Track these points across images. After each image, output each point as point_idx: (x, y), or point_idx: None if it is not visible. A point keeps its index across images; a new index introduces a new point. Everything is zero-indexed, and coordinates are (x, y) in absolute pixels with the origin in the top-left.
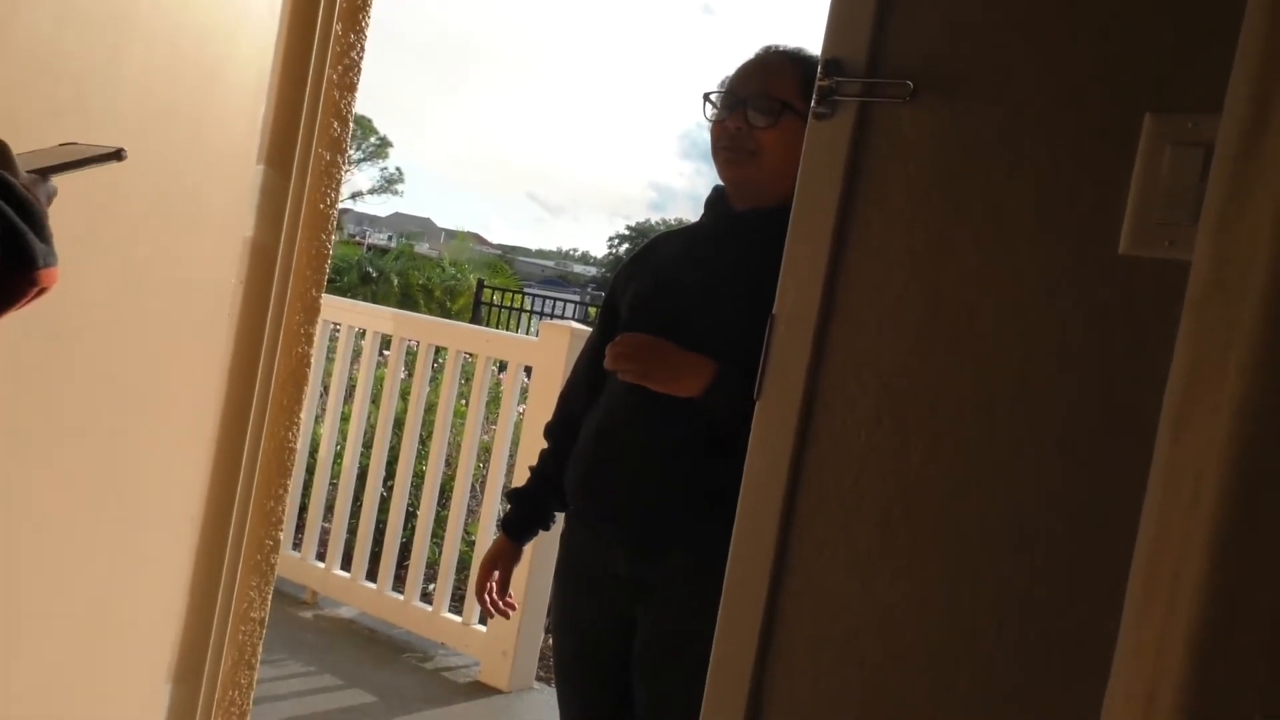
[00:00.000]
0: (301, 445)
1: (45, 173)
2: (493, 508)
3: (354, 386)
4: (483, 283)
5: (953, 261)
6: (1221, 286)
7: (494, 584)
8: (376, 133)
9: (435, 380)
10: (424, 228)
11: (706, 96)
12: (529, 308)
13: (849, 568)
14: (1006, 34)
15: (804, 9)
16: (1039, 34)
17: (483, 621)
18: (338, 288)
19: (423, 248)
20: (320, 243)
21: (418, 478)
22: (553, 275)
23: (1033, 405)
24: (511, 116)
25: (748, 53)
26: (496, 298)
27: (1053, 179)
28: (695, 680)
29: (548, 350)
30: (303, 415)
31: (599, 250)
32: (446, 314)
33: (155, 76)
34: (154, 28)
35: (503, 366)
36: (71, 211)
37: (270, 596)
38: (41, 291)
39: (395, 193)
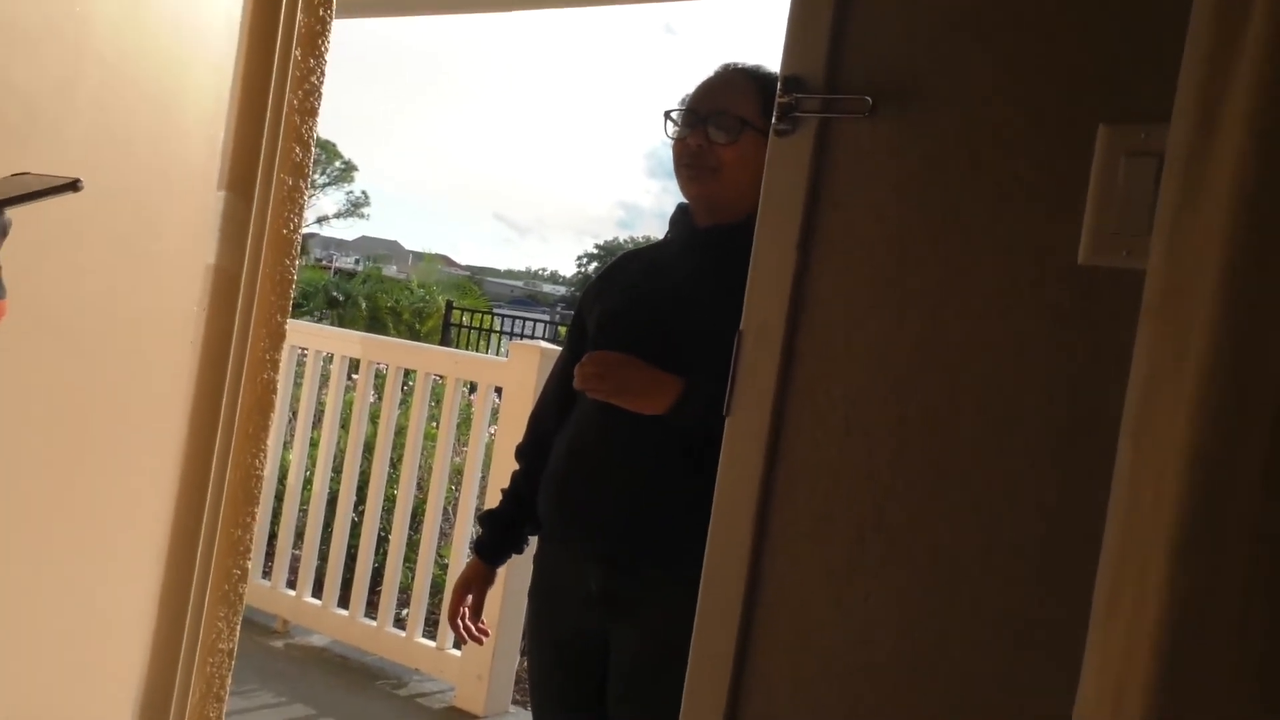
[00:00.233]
0: (270, 472)
1: (1, 205)
2: (466, 530)
3: (323, 411)
4: (451, 304)
5: (916, 273)
6: (1176, 292)
7: (467, 608)
8: (341, 157)
9: (405, 403)
10: (391, 250)
11: (667, 114)
12: (499, 328)
13: (824, 581)
14: (963, 47)
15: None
16: (996, 47)
17: (457, 646)
18: (305, 312)
19: (390, 270)
20: (284, 268)
21: (389, 502)
22: (522, 295)
23: (998, 414)
24: (477, 138)
25: (708, 71)
26: (466, 319)
27: (1013, 190)
28: (672, 696)
29: (518, 370)
30: (270, 441)
31: (568, 269)
32: (415, 336)
33: (110, 102)
34: (107, 54)
35: (473, 388)
36: (24, 240)
37: (239, 626)
38: None
39: (362, 216)
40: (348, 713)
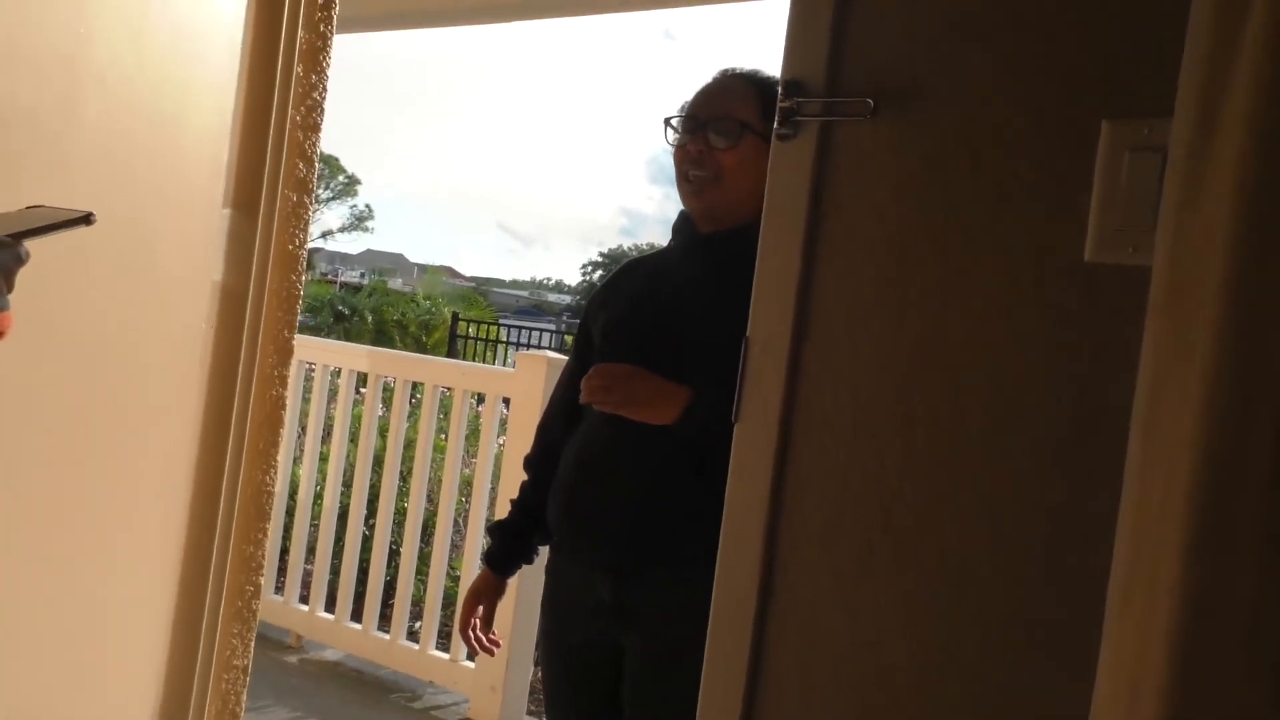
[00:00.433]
0: (280, 487)
1: (18, 237)
2: (476, 542)
3: (331, 426)
4: (457, 316)
5: (919, 275)
6: (1181, 290)
7: (478, 620)
8: (345, 171)
9: (413, 416)
10: (396, 263)
11: (667, 122)
12: (505, 339)
13: (832, 584)
14: (963, 47)
15: (763, 32)
16: (996, 47)
17: (471, 658)
18: (311, 327)
19: (396, 283)
20: (291, 284)
21: (399, 515)
22: (527, 305)
23: (1004, 414)
24: (479, 148)
25: (708, 76)
26: (472, 330)
27: (1014, 190)
28: (685, 703)
29: (525, 381)
30: (280, 457)
31: (573, 278)
32: (422, 349)
33: (113, 123)
34: (109, 76)
35: (481, 399)
36: (32, 263)
37: (253, 643)
38: None
39: (366, 230)
40: None
